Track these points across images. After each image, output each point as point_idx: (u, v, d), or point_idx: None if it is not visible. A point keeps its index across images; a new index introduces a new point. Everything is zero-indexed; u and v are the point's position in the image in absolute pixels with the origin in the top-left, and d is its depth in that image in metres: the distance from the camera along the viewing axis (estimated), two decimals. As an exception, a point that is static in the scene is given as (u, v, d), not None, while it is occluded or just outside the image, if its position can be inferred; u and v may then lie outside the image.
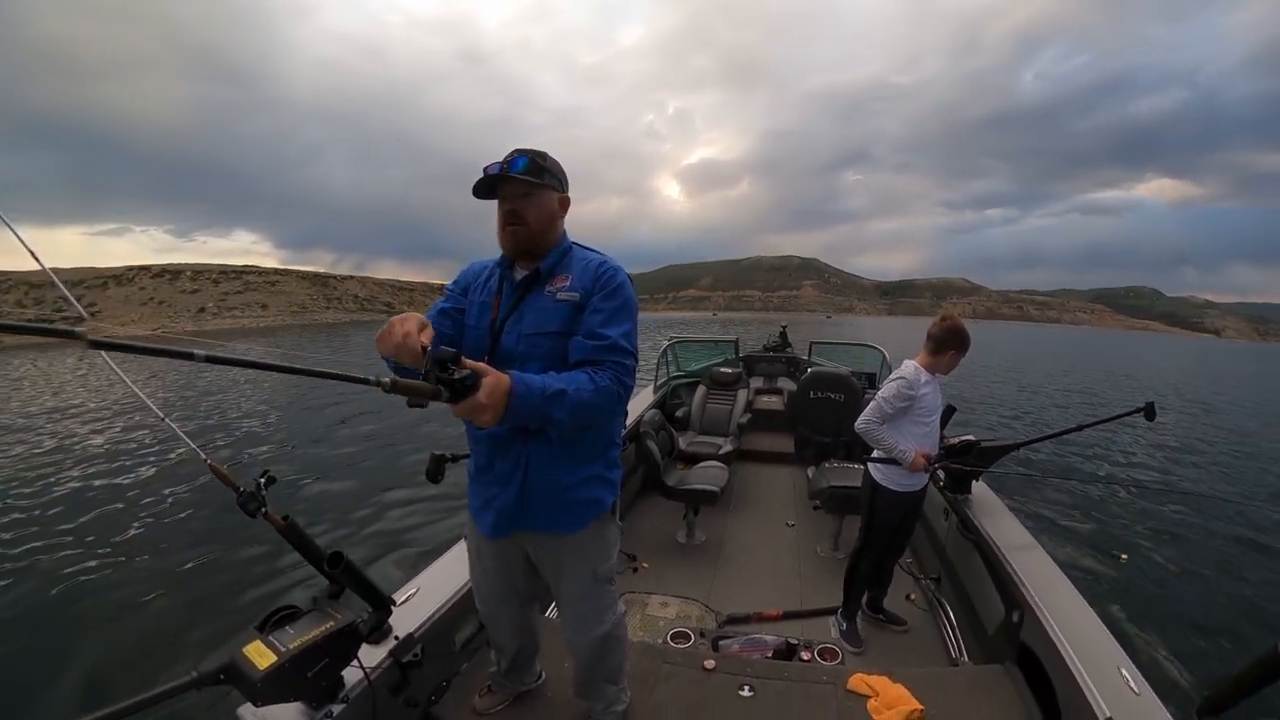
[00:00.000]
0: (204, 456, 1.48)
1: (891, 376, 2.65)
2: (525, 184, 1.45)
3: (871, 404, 2.64)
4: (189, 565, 5.00)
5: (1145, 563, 5.51)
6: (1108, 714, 1.61)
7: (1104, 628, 2.01)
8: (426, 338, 1.10)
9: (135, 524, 5.95)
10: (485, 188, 1.46)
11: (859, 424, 2.66)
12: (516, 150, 1.46)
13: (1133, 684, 1.71)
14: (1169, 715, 1.61)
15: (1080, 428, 3.04)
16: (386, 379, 0.92)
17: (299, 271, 71.87)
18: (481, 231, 1.59)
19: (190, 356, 0.72)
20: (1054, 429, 3.15)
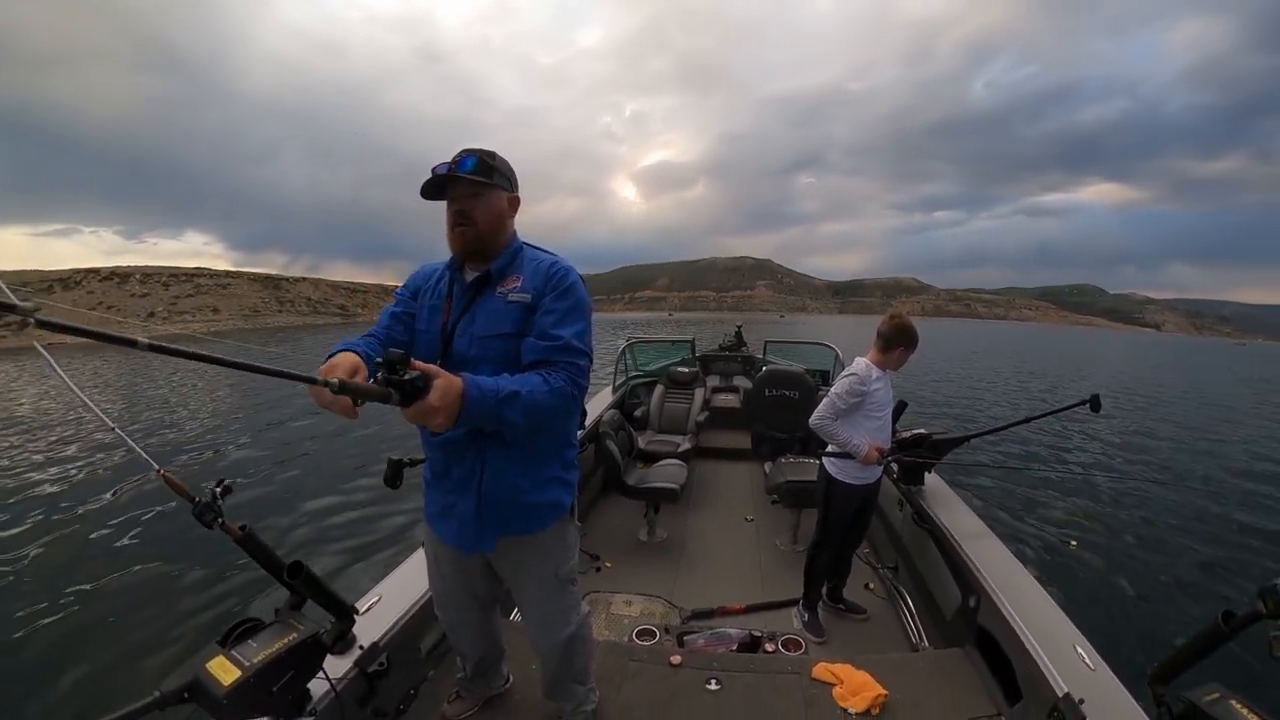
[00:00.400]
0: (156, 467, 1.43)
1: (844, 373, 2.73)
2: (474, 184, 1.43)
3: (825, 400, 2.71)
4: (141, 581, 4.78)
5: (1094, 546, 5.78)
6: (1065, 690, 1.68)
7: (1057, 608, 2.10)
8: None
9: (79, 540, 5.65)
10: (434, 188, 1.44)
11: (813, 419, 2.73)
12: (465, 150, 1.44)
13: (1088, 660, 1.80)
14: (1123, 687, 1.69)
15: (1028, 420, 3.15)
16: (335, 379, 0.91)
17: (251, 274, 69.33)
18: (436, 232, 1.58)
19: (133, 344, 0.69)
20: (1003, 422, 3.28)
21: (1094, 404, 2.81)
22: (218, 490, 1.43)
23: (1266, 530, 6.71)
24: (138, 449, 1.46)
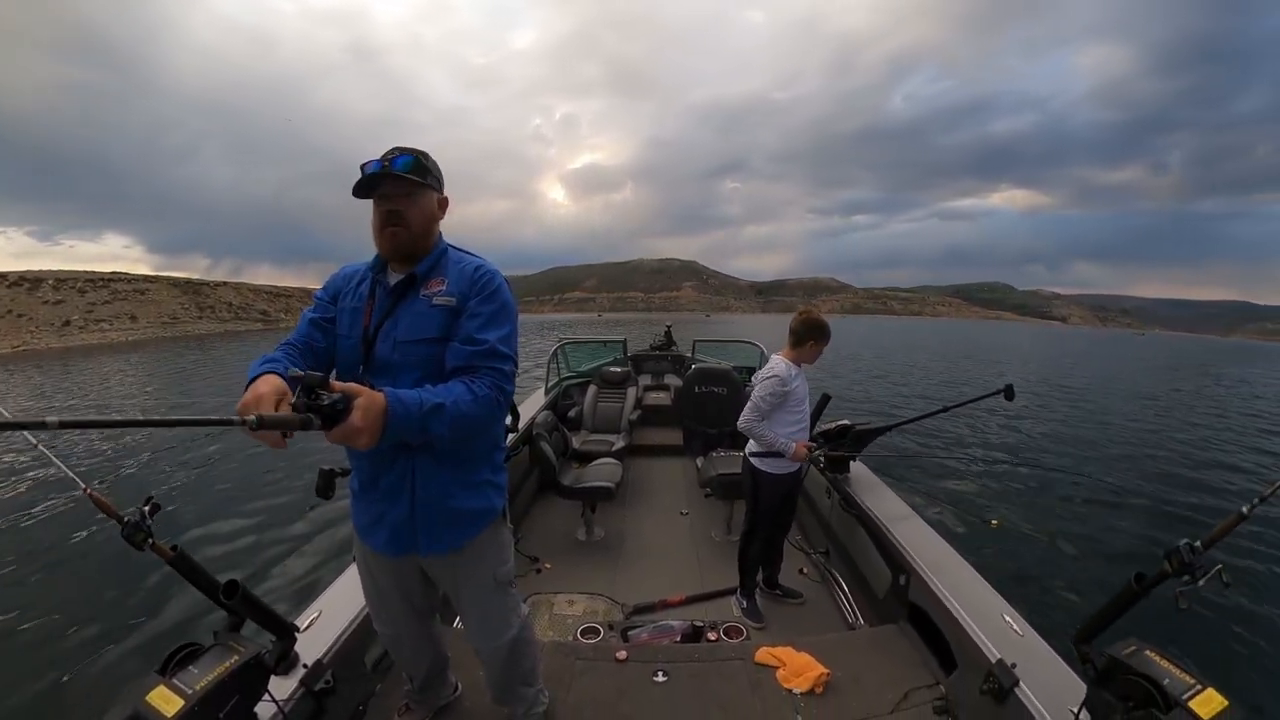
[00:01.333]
0: (83, 485, 1.33)
1: (764, 375, 2.81)
2: (408, 183, 1.40)
3: (749, 404, 2.80)
4: (66, 610, 4.33)
5: (1015, 523, 6.24)
6: (998, 656, 1.82)
7: (984, 581, 2.26)
8: (284, 410, 1.04)
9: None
10: (366, 186, 1.39)
11: (741, 424, 2.82)
12: (398, 148, 1.41)
13: (1016, 627, 1.95)
14: (1050, 648, 1.85)
15: (946, 409, 3.34)
16: (252, 416, 0.88)
17: (170, 278, 63.24)
18: (361, 232, 1.52)
19: (43, 425, 0.68)
20: (923, 411, 3.48)
21: (1008, 393, 3.00)
22: (146, 509, 1.35)
23: (1169, 497, 7.51)
24: (63, 467, 1.37)
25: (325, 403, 0.97)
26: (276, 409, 1.02)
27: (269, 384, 1.09)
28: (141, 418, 0.81)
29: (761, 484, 2.91)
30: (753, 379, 2.86)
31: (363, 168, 1.38)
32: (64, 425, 0.69)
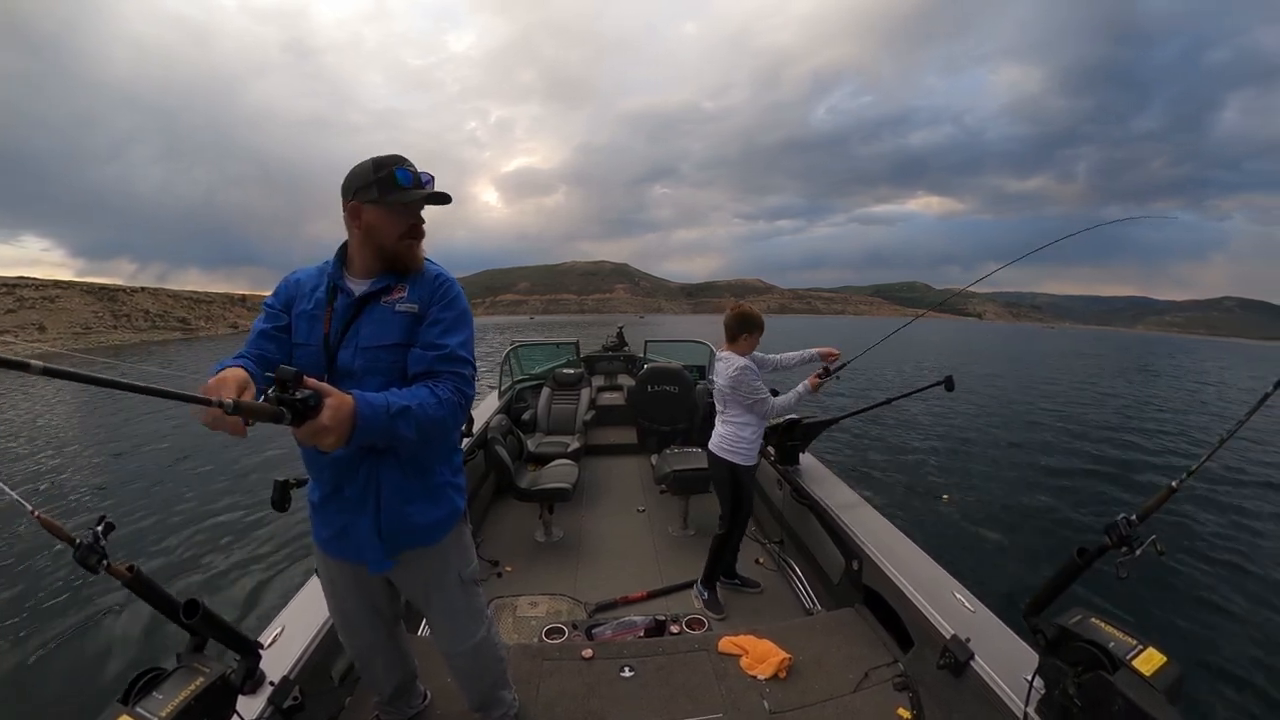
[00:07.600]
0: (30, 508, 1.24)
1: (729, 370, 2.84)
2: (439, 203, 1.48)
3: (756, 400, 2.82)
4: (17, 644, 4.02)
5: (961, 505, 6.56)
6: (952, 632, 1.91)
7: (933, 562, 2.37)
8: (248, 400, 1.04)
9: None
10: (427, 198, 1.45)
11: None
12: (423, 170, 1.44)
13: (967, 604, 2.06)
14: (1001, 622, 1.96)
15: (889, 400, 3.45)
16: (229, 400, 0.89)
17: (84, 284, 57.10)
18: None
19: (25, 367, 0.67)
20: (867, 404, 3.61)
21: (948, 384, 3.11)
22: (99, 529, 1.28)
23: (1105, 474, 8.08)
24: (9, 490, 1.27)
25: (298, 397, 0.98)
26: (241, 398, 1.02)
27: (235, 374, 1.11)
28: (121, 380, 0.80)
29: (743, 477, 2.95)
30: (714, 380, 2.90)
31: (418, 175, 1.40)
32: (48, 372, 0.69)
